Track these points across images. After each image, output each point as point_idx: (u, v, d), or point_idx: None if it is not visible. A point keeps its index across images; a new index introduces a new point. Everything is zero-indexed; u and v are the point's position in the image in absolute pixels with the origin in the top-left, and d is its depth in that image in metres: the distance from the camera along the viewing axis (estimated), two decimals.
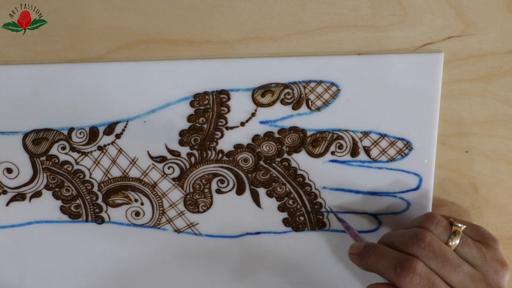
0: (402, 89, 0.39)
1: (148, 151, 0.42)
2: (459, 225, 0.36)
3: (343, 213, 0.43)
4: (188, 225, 0.44)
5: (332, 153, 0.41)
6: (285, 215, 0.43)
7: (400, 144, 0.41)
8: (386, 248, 0.37)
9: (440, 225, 0.36)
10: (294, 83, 0.39)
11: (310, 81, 0.39)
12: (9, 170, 0.42)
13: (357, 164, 0.41)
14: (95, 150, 0.42)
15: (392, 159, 0.41)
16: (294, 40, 0.39)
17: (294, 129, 0.41)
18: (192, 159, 0.42)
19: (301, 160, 0.42)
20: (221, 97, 0.40)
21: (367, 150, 0.41)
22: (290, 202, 0.43)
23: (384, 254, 0.36)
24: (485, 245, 0.37)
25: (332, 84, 0.39)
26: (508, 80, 0.40)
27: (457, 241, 0.36)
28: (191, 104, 0.40)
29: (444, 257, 0.35)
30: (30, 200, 0.43)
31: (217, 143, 0.41)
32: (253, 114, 0.40)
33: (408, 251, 0.35)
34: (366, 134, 0.41)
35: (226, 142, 0.41)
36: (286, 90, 0.40)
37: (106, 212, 0.44)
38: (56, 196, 0.43)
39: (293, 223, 0.43)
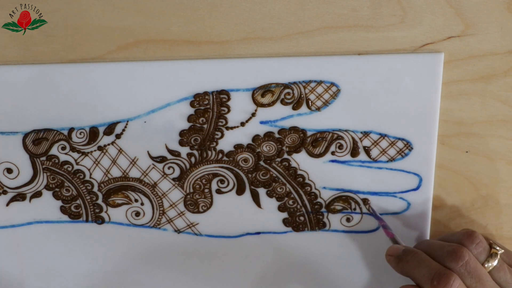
0: (402, 89, 0.39)
1: (148, 151, 0.42)
2: (497, 248, 0.37)
3: (342, 213, 0.43)
4: (188, 225, 0.44)
5: (332, 153, 0.41)
6: (285, 215, 0.43)
7: (400, 144, 0.41)
8: (426, 256, 0.37)
9: (480, 246, 0.36)
10: (294, 83, 0.39)
11: (310, 81, 0.39)
12: (9, 170, 0.42)
13: (357, 164, 0.41)
14: (95, 150, 0.42)
15: (392, 159, 0.41)
16: (294, 40, 0.39)
17: (294, 129, 0.41)
18: (192, 159, 0.42)
19: (301, 160, 0.42)
20: (221, 97, 0.40)
21: (367, 150, 0.41)
22: (290, 202, 0.43)
23: (423, 263, 0.36)
24: None
25: (332, 84, 0.39)
26: (508, 80, 0.40)
27: (494, 264, 0.36)
28: (191, 104, 0.40)
29: (479, 278, 0.35)
30: (30, 200, 0.43)
31: (217, 143, 0.41)
32: (253, 114, 0.40)
33: (445, 265, 0.35)
34: (366, 134, 0.41)
35: (226, 142, 0.41)
36: (286, 90, 0.40)
37: (106, 212, 0.44)
38: (56, 196, 0.43)
39: (293, 223, 0.43)
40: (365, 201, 0.42)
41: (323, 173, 0.42)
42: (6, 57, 0.39)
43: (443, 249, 0.36)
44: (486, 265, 0.36)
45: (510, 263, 0.37)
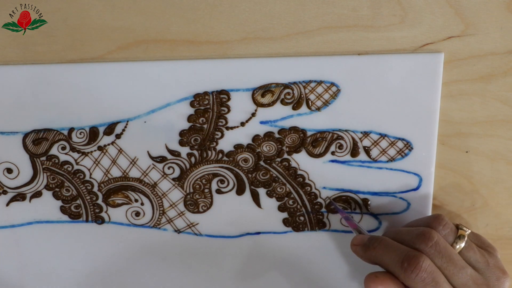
0: (402, 89, 0.39)
1: (148, 151, 0.42)
2: (465, 229, 0.37)
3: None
4: (188, 225, 0.44)
5: (332, 153, 0.41)
6: (285, 215, 0.43)
7: (400, 144, 0.41)
8: (393, 241, 0.37)
9: (447, 227, 0.37)
10: (294, 83, 0.39)
11: (310, 81, 0.39)
12: (9, 170, 0.42)
13: (357, 164, 0.41)
14: (95, 150, 0.42)
15: (392, 159, 0.41)
16: (294, 40, 0.39)
17: (294, 129, 0.41)
18: (192, 159, 0.42)
19: (301, 160, 0.42)
20: (221, 97, 0.40)
21: (367, 150, 0.41)
22: (290, 202, 0.43)
23: (391, 247, 0.36)
24: (487, 252, 0.37)
25: (332, 84, 0.39)
26: (508, 80, 0.40)
27: (462, 245, 0.36)
28: (191, 104, 0.40)
29: (450, 257, 0.35)
30: (30, 200, 0.43)
31: (217, 143, 0.41)
32: (253, 114, 0.40)
33: (415, 248, 0.35)
34: (366, 134, 0.41)
35: (226, 142, 0.41)
36: (286, 90, 0.40)
37: (106, 212, 0.44)
38: (56, 196, 0.43)
39: (293, 223, 0.43)
40: (365, 201, 0.42)
41: (323, 173, 0.42)
42: (6, 57, 0.39)
43: (411, 233, 0.36)
44: (455, 246, 0.36)
45: (477, 244, 0.38)
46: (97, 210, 0.44)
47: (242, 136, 0.41)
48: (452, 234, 0.37)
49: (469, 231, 0.37)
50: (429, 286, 0.34)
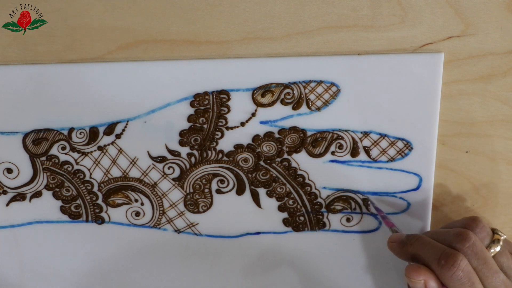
0: (402, 89, 0.39)
1: (148, 151, 0.42)
2: (500, 233, 0.37)
3: (342, 213, 0.43)
4: (188, 225, 0.44)
5: (332, 153, 0.41)
6: (285, 215, 0.43)
7: (400, 144, 0.41)
8: (430, 239, 0.37)
9: (484, 230, 0.37)
10: (294, 83, 0.39)
11: (310, 81, 0.39)
12: (9, 170, 0.42)
13: (357, 164, 0.41)
14: (95, 150, 0.42)
15: (392, 159, 0.41)
16: (294, 40, 0.39)
17: (294, 129, 0.41)
18: (192, 159, 0.42)
19: (301, 160, 0.42)
20: (221, 97, 0.40)
21: (367, 150, 0.41)
22: (290, 202, 0.43)
23: (429, 244, 0.36)
24: None
25: (332, 84, 0.39)
26: (508, 80, 0.40)
27: (497, 249, 0.36)
28: (191, 104, 0.40)
29: (485, 260, 0.35)
30: (30, 200, 0.43)
31: (217, 143, 0.41)
32: (253, 114, 0.40)
33: (452, 247, 0.35)
34: (366, 134, 0.41)
35: (226, 142, 0.41)
36: (286, 90, 0.40)
37: (106, 212, 0.44)
38: (56, 196, 0.43)
39: (293, 223, 0.43)
40: (366, 201, 0.42)
41: (323, 173, 0.42)
42: (6, 57, 0.39)
43: (448, 233, 0.36)
44: (490, 250, 0.36)
45: (509, 251, 0.38)
46: (97, 210, 0.44)
47: (242, 136, 0.41)
48: (488, 238, 0.37)
49: (505, 236, 0.37)
50: (465, 286, 0.34)
